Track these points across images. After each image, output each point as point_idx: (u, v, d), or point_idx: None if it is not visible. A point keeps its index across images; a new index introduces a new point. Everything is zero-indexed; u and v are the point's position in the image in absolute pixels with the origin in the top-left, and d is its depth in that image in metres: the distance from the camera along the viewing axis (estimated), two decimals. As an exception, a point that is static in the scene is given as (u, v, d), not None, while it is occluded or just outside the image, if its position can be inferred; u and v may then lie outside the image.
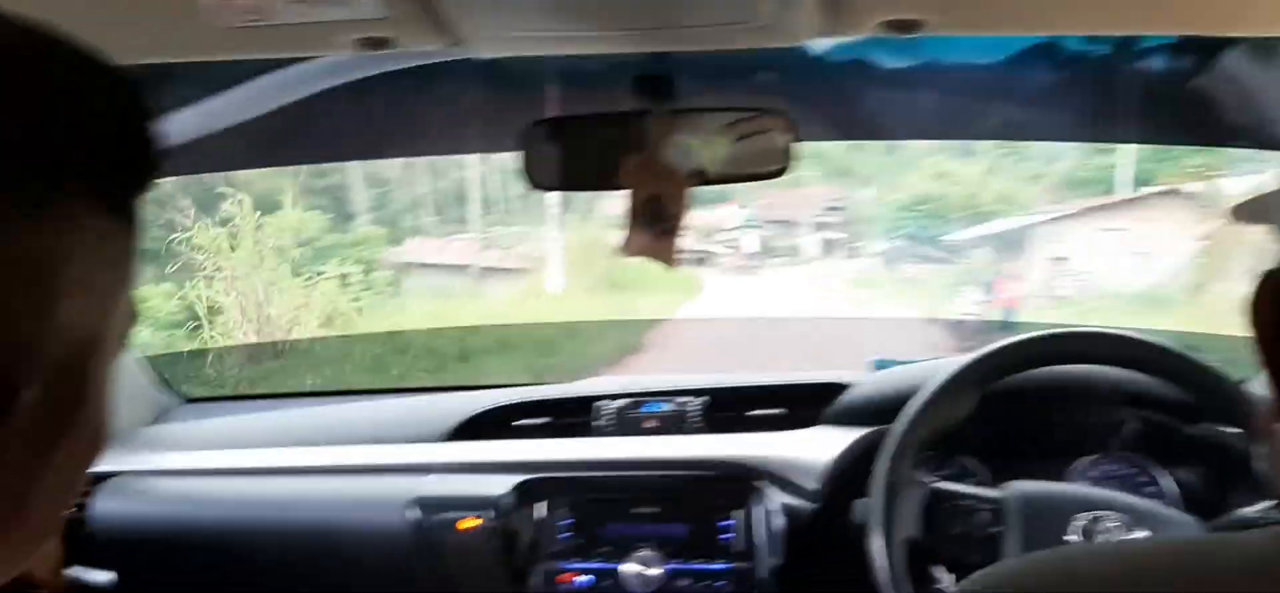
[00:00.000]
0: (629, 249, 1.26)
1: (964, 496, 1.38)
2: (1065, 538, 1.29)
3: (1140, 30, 0.96)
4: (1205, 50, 1.37)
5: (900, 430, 1.40)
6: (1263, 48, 1.33)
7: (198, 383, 6.50)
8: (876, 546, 1.35)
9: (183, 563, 1.83)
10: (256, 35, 1.00)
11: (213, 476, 1.81)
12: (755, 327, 10.53)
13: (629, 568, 1.55)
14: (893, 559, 1.34)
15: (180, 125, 1.70)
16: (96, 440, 0.49)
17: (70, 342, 0.45)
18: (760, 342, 9.31)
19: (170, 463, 1.85)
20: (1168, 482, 1.52)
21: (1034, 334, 1.45)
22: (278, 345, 7.42)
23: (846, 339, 8.87)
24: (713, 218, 14.40)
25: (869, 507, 1.38)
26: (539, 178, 1.24)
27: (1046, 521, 1.32)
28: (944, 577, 1.40)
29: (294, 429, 1.84)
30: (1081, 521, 1.30)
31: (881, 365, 1.77)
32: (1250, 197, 0.70)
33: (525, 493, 1.61)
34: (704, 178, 1.31)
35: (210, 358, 6.87)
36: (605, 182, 1.35)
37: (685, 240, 1.27)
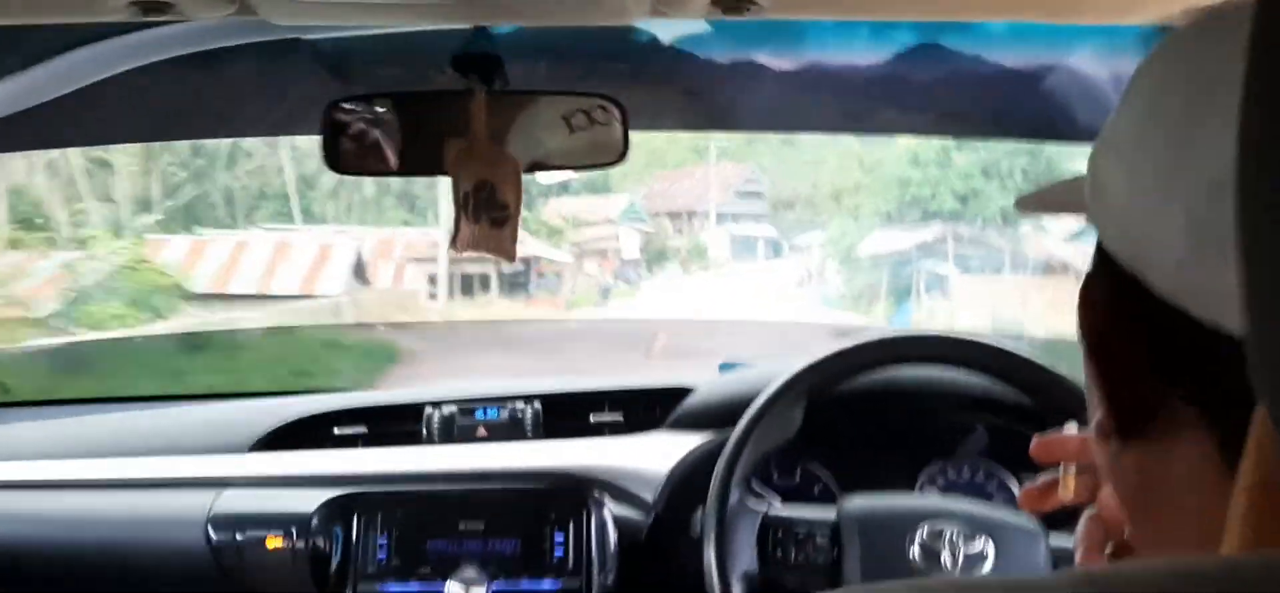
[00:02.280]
0: (459, 243, 1.16)
1: (799, 520, 1.32)
2: (908, 551, 1.25)
3: (982, 16, 0.92)
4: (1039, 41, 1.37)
5: (727, 454, 1.33)
6: (1106, 39, 1.33)
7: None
8: (709, 560, 1.28)
9: None
10: None
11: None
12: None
13: (451, 588, 1.44)
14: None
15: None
16: None
17: None
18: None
19: None
20: (1016, 487, 1.51)
21: (867, 340, 1.42)
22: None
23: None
24: (584, 208, 10.73)
25: (705, 523, 1.31)
26: (342, 162, 1.13)
27: (886, 535, 1.28)
28: None
29: (80, 439, 1.65)
30: (921, 532, 1.26)
31: (726, 368, 1.72)
32: (1034, 189, 0.65)
33: (336, 509, 1.48)
34: (536, 165, 1.23)
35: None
36: (422, 167, 1.25)
37: (519, 230, 1.19)
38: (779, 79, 1.42)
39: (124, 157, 7.66)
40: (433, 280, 9.55)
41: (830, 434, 1.49)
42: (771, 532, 1.31)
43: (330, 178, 9.50)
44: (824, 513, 1.33)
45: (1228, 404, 0.39)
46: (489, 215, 1.15)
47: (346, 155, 1.13)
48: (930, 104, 1.55)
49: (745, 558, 1.30)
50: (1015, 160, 8.85)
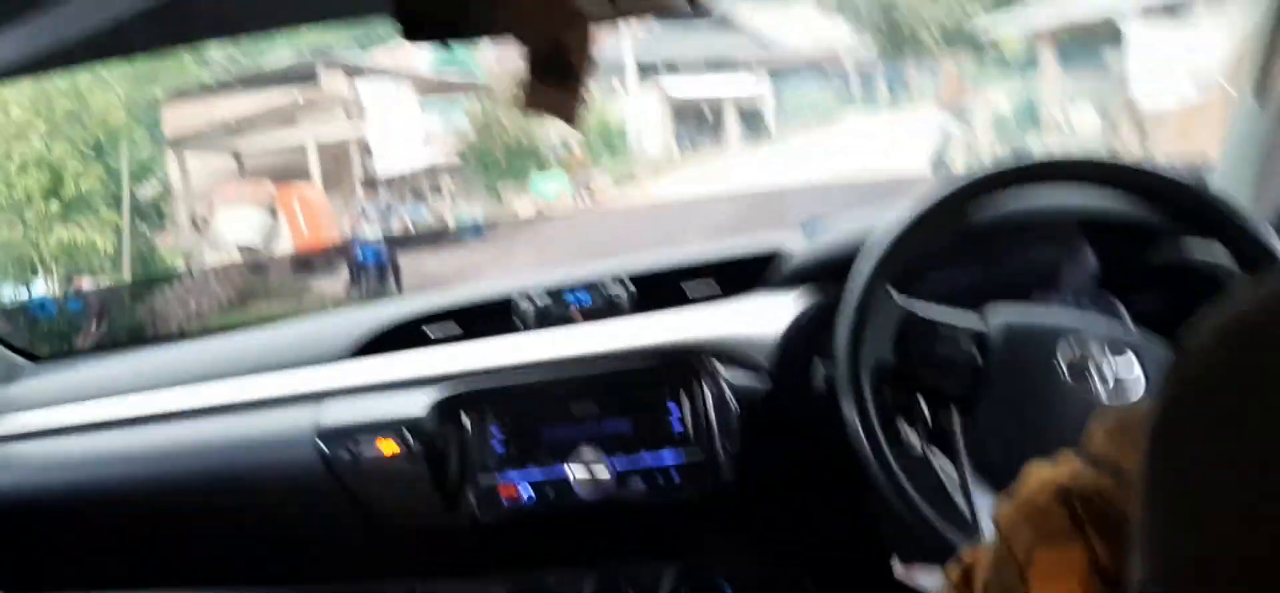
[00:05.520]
0: (528, 104, 1.10)
1: (943, 323, 1.22)
2: (1057, 367, 1.16)
3: None
4: None
5: (879, 248, 1.23)
6: None
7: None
8: (842, 341, 1.20)
9: (59, 535, 1.63)
10: None
11: (84, 432, 1.59)
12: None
13: (575, 471, 1.41)
14: (860, 383, 1.18)
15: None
16: None
17: None
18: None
19: (29, 424, 1.62)
20: (1129, 310, 1.41)
21: (1007, 162, 1.30)
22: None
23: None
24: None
25: (833, 357, 1.23)
26: (414, 27, 1.05)
27: (1033, 348, 1.18)
28: (912, 433, 1.27)
29: (176, 370, 1.62)
30: (1065, 347, 1.18)
31: (810, 227, 1.63)
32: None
33: (447, 407, 1.44)
34: (614, 15, 1.15)
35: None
36: (494, 26, 1.18)
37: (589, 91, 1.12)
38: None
39: None
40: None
41: (939, 269, 1.40)
42: (912, 329, 1.22)
43: None
44: (969, 319, 1.23)
45: None
46: (559, 77, 1.09)
47: (416, 18, 1.07)
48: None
49: (880, 347, 1.21)
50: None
